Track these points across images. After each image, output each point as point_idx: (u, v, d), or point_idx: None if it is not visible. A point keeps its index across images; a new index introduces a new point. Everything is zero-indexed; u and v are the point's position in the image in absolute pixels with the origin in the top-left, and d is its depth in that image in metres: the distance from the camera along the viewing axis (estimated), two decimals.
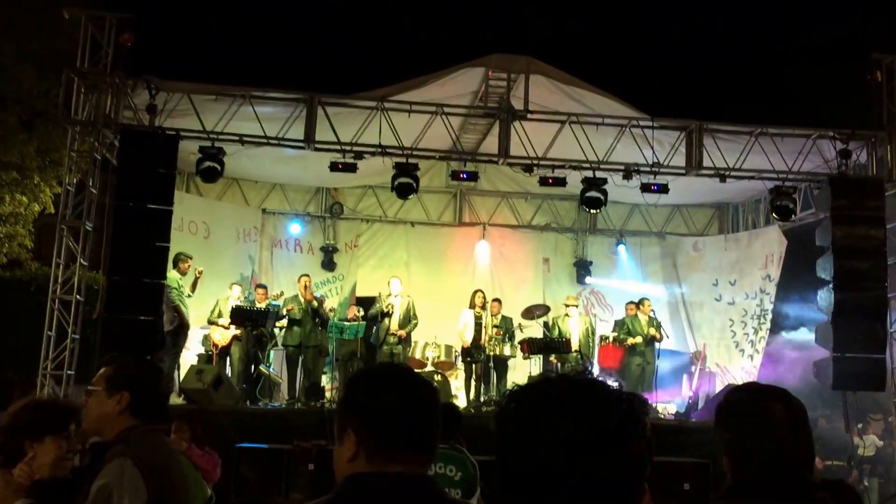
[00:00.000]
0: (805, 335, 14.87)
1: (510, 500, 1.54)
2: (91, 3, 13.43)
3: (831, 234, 12.74)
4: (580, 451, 1.48)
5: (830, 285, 12.73)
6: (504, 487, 1.55)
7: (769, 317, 15.86)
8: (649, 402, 14.13)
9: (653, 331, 15.01)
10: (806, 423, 2.41)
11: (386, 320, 14.45)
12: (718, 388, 15.28)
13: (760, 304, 15.96)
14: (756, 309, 16.02)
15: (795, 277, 16.14)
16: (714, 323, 17.01)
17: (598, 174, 13.11)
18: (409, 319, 14.60)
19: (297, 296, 14.35)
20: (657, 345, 15.05)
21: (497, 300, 14.98)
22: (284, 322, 14.39)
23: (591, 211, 13.70)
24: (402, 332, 14.49)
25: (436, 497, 2.20)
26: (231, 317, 13.70)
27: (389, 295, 14.62)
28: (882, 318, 12.62)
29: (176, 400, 12.30)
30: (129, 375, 3.57)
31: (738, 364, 16.16)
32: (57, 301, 12.18)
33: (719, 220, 17.97)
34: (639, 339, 14.94)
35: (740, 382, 13.55)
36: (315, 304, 14.29)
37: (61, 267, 12.28)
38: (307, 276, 14.79)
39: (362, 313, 14.60)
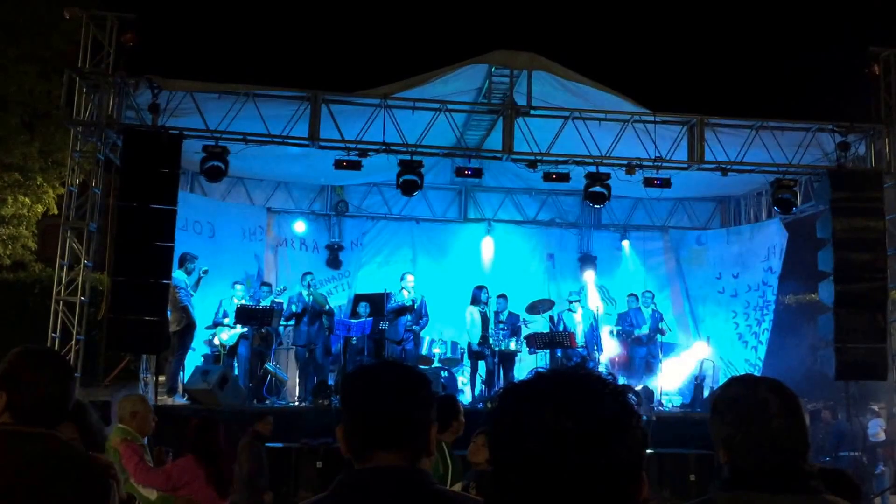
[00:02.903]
0: (807, 326, 14.93)
1: (506, 496, 1.54)
2: (92, 3, 13.42)
3: (831, 227, 12.82)
4: (573, 445, 1.48)
5: (831, 277, 12.81)
6: (499, 483, 1.55)
7: (772, 308, 15.90)
8: (654, 393, 14.19)
9: (656, 324, 15.08)
10: (800, 412, 2.44)
11: (407, 316, 14.49)
12: (722, 380, 15.31)
13: (763, 296, 15.98)
14: (759, 301, 16.05)
15: (797, 269, 16.20)
16: (717, 315, 17.05)
17: (602, 169, 13.16)
18: (421, 316, 14.66)
19: (301, 293, 14.39)
20: (661, 337, 15.12)
21: (503, 295, 14.98)
22: (290, 321, 14.43)
23: (595, 206, 13.72)
24: (417, 329, 14.57)
25: (427, 489, 2.18)
26: (237, 316, 13.70)
27: (402, 290, 14.68)
28: (882, 308, 12.72)
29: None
30: (9, 373, 2.94)
31: (741, 356, 16.20)
32: (61, 303, 12.18)
33: (721, 213, 18.01)
34: (642, 332, 15.02)
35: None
36: (319, 302, 14.31)
37: (65, 268, 12.29)
38: (310, 273, 14.84)
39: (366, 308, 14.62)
